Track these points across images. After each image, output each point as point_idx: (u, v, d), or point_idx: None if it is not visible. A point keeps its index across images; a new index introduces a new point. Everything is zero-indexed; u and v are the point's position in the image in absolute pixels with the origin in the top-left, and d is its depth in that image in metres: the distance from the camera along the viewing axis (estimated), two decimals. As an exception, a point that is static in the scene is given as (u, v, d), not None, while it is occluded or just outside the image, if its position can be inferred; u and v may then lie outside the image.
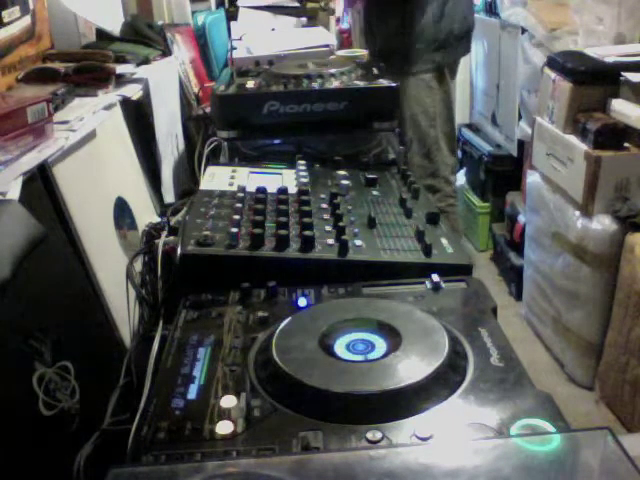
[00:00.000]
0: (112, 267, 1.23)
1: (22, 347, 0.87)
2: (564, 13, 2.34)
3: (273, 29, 2.53)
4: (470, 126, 3.28)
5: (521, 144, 2.72)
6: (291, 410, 0.66)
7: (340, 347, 0.74)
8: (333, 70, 1.44)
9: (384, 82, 1.40)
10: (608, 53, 2.06)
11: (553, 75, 2.12)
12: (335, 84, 1.39)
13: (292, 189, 1.16)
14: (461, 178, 3.20)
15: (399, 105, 1.41)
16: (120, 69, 1.67)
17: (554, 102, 2.11)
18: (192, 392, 0.70)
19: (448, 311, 0.82)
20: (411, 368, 0.68)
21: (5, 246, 0.89)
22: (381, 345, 0.74)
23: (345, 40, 3.20)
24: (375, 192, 1.19)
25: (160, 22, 2.20)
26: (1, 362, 0.84)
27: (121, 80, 1.66)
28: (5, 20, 1.52)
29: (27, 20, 1.62)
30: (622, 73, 1.93)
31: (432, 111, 2.23)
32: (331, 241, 0.97)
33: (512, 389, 0.67)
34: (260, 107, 1.35)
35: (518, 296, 2.59)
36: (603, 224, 1.90)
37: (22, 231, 0.95)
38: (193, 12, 2.51)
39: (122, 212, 1.43)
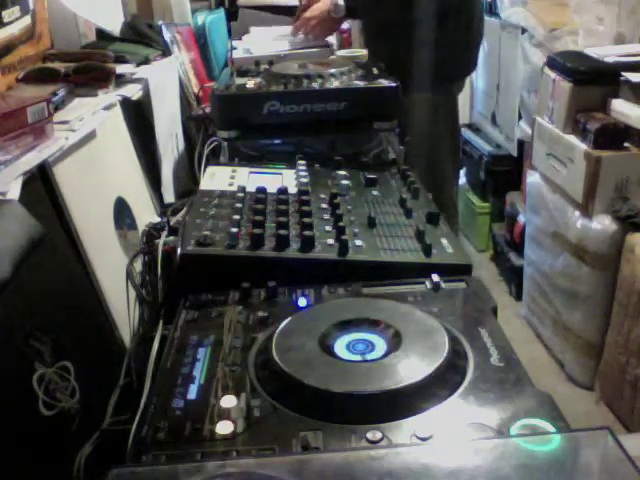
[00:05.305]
0: (112, 267, 1.23)
1: (22, 347, 0.87)
2: (564, 13, 2.35)
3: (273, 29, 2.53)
4: (470, 126, 3.28)
5: (521, 144, 2.72)
6: (291, 410, 0.65)
7: (340, 347, 0.73)
8: (333, 70, 1.44)
9: (384, 82, 1.40)
10: (608, 53, 2.06)
11: (553, 75, 2.12)
12: (335, 84, 1.39)
13: (292, 189, 1.16)
14: (461, 178, 3.20)
15: (399, 105, 1.41)
16: (120, 69, 1.66)
17: (554, 102, 2.11)
18: (192, 392, 0.70)
19: (448, 311, 0.82)
20: (411, 368, 0.68)
21: (5, 246, 0.89)
22: (381, 345, 0.73)
23: (345, 40, 3.20)
24: (375, 192, 1.18)
25: (160, 22, 2.20)
26: (1, 362, 0.84)
27: (121, 80, 1.65)
28: (5, 20, 1.52)
29: (27, 20, 1.62)
30: (622, 73, 1.93)
31: (438, 131, 2.17)
32: (331, 241, 0.96)
33: (512, 389, 0.67)
34: (260, 107, 1.35)
35: (518, 296, 2.59)
36: (603, 224, 1.90)
37: (22, 231, 0.95)
38: (193, 12, 2.51)
39: (122, 212, 1.42)
